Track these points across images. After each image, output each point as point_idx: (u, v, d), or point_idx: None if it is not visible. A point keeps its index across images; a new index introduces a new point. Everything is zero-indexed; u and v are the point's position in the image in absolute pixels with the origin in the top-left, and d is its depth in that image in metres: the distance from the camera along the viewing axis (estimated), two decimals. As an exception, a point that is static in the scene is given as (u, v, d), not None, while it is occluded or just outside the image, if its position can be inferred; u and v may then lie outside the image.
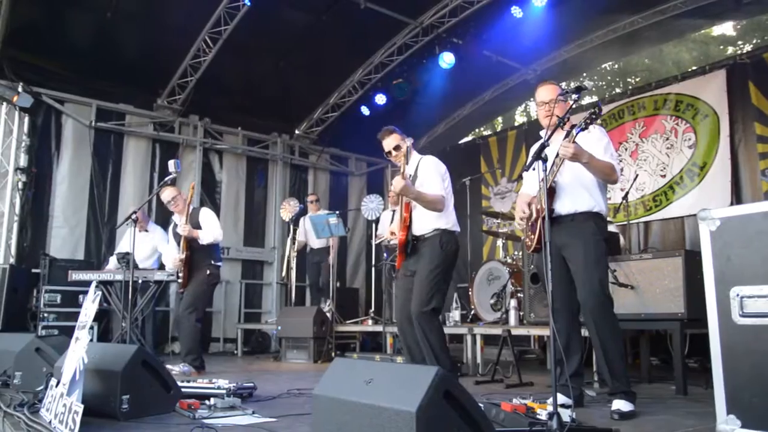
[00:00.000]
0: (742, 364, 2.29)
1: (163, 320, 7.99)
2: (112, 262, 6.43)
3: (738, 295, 2.33)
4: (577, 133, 3.07)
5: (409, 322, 4.03)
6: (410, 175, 4.16)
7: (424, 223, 4.05)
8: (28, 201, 7.26)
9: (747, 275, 2.33)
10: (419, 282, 3.97)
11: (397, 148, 4.19)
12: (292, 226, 8.14)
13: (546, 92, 3.57)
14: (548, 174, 3.14)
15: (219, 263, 5.62)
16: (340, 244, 8.58)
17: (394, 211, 7.95)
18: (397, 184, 3.87)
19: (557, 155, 3.21)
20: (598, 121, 3.16)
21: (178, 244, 5.50)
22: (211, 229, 5.46)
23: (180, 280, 5.40)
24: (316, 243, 8.22)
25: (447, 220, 4.05)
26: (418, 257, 4.05)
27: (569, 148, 3.11)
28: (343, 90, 9.09)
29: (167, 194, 5.60)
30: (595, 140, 3.33)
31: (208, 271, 5.43)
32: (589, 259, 3.32)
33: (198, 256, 5.43)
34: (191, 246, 5.40)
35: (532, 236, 3.55)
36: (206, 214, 5.57)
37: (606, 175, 3.38)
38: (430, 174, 4.09)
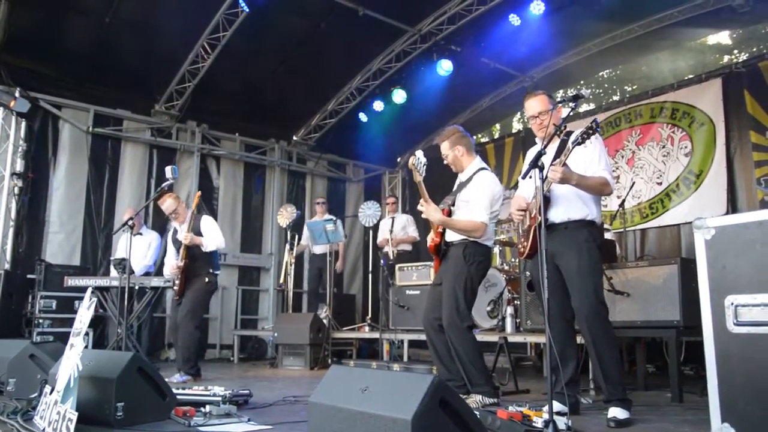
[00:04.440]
0: (736, 372, 2.30)
1: (160, 327, 7.96)
2: (114, 272, 6.45)
3: (733, 303, 2.34)
4: (573, 147, 3.06)
5: (434, 330, 4.00)
6: (461, 183, 4.07)
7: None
8: (24, 206, 7.25)
9: (741, 284, 2.33)
10: (444, 294, 3.93)
11: (447, 157, 4.07)
12: (290, 232, 8.14)
13: (535, 104, 3.57)
14: (543, 185, 3.16)
15: (217, 272, 5.61)
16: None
17: (393, 218, 8.04)
18: (425, 213, 3.84)
19: (545, 177, 3.20)
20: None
21: (177, 251, 5.50)
22: (213, 237, 5.45)
23: (176, 287, 5.39)
24: (317, 249, 8.22)
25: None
26: (446, 267, 4.01)
27: (557, 173, 3.11)
28: (341, 96, 9.10)
29: (168, 205, 5.58)
30: (588, 151, 3.32)
31: (206, 279, 5.42)
32: (583, 266, 3.33)
33: (197, 264, 5.42)
34: (191, 253, 5.39)
35: (526, 243, 3.56)
36: (207, 222, 5.56)
37: (598, 191, 3.39)
38: (479, 196, 3.87)
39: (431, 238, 4.06)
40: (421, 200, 3.86)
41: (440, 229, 4.02)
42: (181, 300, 5.43)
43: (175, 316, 5.45)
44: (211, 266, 5.51)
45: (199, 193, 5.92)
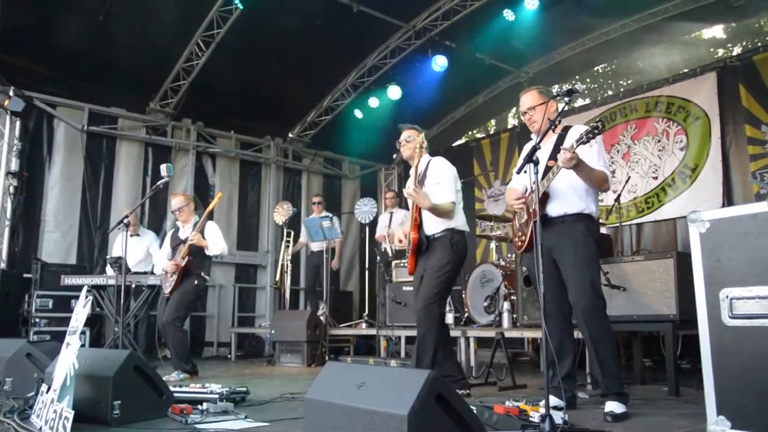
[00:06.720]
0: (731, 365, 2.31)
1: (156, 325, 7.95)
2: (110, 270, 6.44)
3: (727, 296, 2.35)
4: (577, 145, 3.05)
5: None
6: (419, 175, 4.13)
7: (435, 223, 4.03)
8: (19, 205, 7.23)
9: (736, 277, 2.34)
10: (427, 279, 3.96)
11: (412, 141, 4.20)
12: (286, 230, 8.13)
13: (524, 100, 3.60)
14: (543, 180, 3.16)
15: (208, 276, 5.60)
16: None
17: (391, 213, 8.02)
18: (411, 191, 3.89)
19: (555, 160, 3.19)
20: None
21: (173, 249, 5.48)
22: (218, 242, 5.45)
23: (168, 284, 5.37)
24: (315, 246, 8.20)
25: (457, 221, 4.02)
26: (429, 256, 4.04)
27: (573, 158, 3.08)
28: (337, 93, 9.09)
29: (178, 201, 5.60)
30: (586, 146, 3.31)
31: (195, 282, 5.40)
32: (579, 260, 3.32)
33: (192, 265, 5.40)
34: (190, 254, 5.37)
35: (523, 237, 3.56)
36: (212, 228, 5.54)
37: (598, 185, 3.37)
38: (443, 179, 4.05)
39: (411, 234, 4.08)
40: (411, 181, 3.94)
41: (417, 223, 4.05)
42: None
43: (162, 314, 5.42)
44: (203, 270, 5.49)
45: (220, 193, 5.97)
